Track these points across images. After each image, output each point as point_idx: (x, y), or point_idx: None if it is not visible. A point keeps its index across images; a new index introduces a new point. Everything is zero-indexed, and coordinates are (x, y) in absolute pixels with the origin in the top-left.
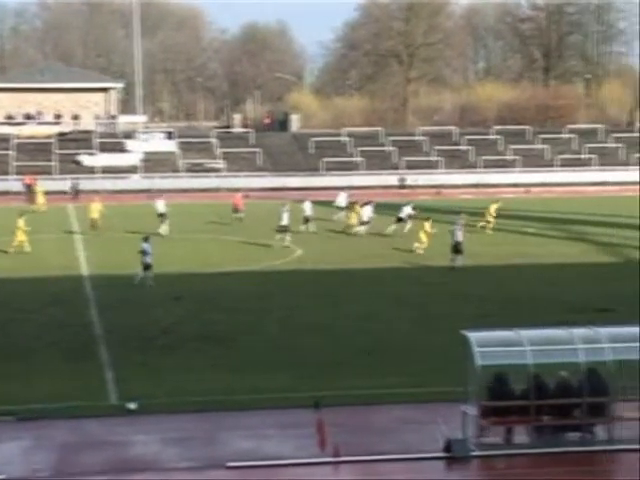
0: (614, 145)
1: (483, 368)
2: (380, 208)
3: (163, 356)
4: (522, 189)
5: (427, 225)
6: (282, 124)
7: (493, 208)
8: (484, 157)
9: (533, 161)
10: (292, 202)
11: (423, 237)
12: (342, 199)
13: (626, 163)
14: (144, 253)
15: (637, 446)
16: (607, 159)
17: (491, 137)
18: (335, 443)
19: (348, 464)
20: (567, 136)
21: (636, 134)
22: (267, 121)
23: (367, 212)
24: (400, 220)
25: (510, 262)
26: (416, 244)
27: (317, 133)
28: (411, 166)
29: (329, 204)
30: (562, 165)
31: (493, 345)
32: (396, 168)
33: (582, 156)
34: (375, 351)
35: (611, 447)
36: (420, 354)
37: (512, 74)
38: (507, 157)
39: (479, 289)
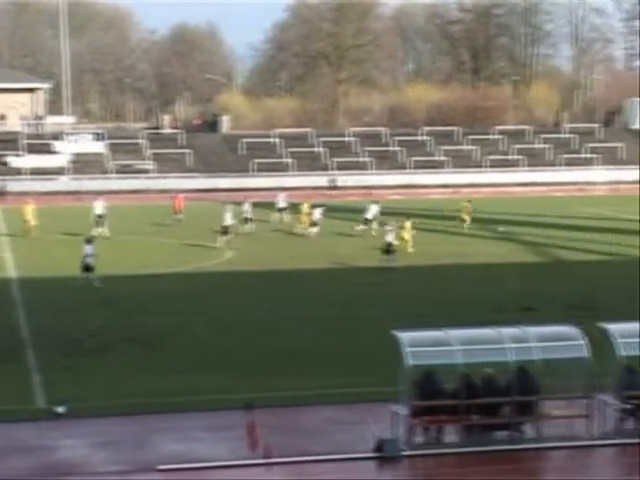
0: (542, 146)
1: (413, 368)
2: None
3: (92, 359)
4: (451, 190)
5: (408, 224)
6: (212, 125)
7: (465, 206)
8: (414, 158)
9: (462, 162)
10: (232, 203)
11: (406, 236)
12: (281, 200)
13: (553, 164)
14: (86, 255)
15: (564, 443)
16: (535, 160)
17: (420, 138)
18: (266, 444)
19: (280, 465)
20: (495, 137)
21: (563, 135)
22: (197, 122)
23: (317, 214)
24: (367, 221)
25: (440, 262)
26: (397, 243)
27: (247, 134)
28: (341, 167)
29: (269, 205)
30: (491, 166)
31: (423, 345)
32: (326, 169)
33: (510, 157)
34: (306, 352)
35: (539, 445)
36: (351, 355)
37: (441, 75)
38: (436, 158)
39: (410, 290)
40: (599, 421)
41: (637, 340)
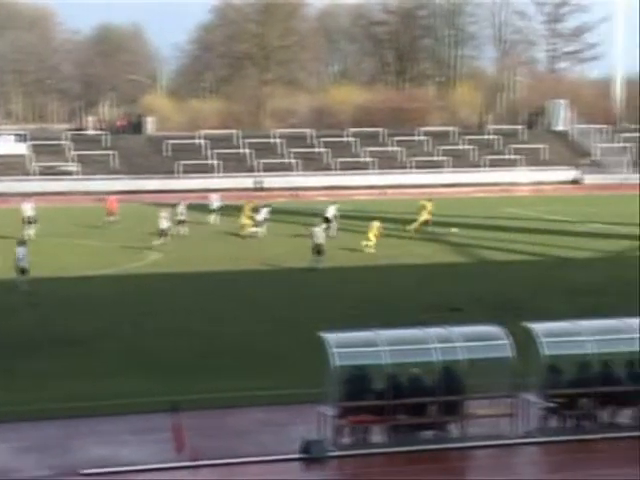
0: (466, 147)
1: (340, 369)
2: (235, 210)
3: (17, 362)
4: (377, 191)
5: (375, 225)
6: (137, 126)
7: (427, 208)
8: (339, 159)
9: (387, 163)
10: (167, 206)
11: (372, 236)
12: (215, 201)
13: (477, 165)
14: (19, 258)
15: (489, 442)
16: (459, 161)
17: (346, 139)
18: (193, 447)
19: (206, 467)
20: (420, 138)
21: (487, 136)
22: (121, 123)
23: (263, 214)
24: (327, 220)
25: (368, 263)
26: (364, 242)
27: (172, 136)
28: (267, 168)
29: (201, 207)
30: (416, 167)
31: (349, 346)
32: (252, 170)
33: (435, 158)
34: (233, 354)
35: (464, 444)
36: (279, 356)
37: (366, 77)
38: (362, 159)
39: (338, 290)
40: (523, 420)
41: (560, 339)
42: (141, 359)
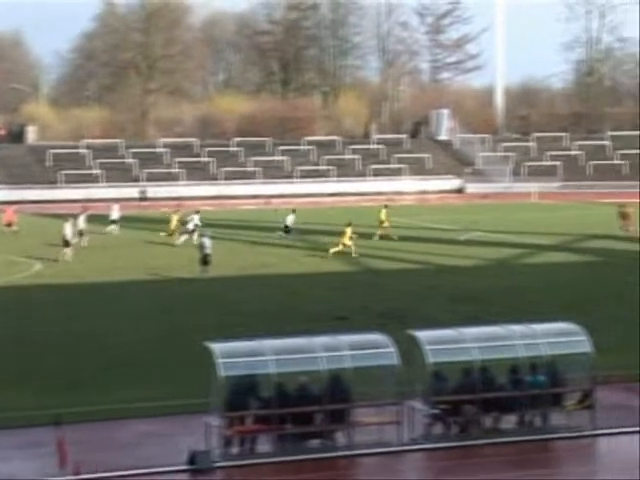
0: (351, 156)
1: (226, 379)
2: (125, 221)
3: None
4: (263, 200)
5: (349, 230)
6: (17, 136)
7: (383, 215)
8: (225, 169)
9: (273, 172)
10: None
11: (347, 241)
12: (115, 212)
13: (363, 174)
14: None
15: (375, 450)
16: (344, 170)
17: (232, 149)
18: (76, 461)
19: None
20: (306, 148)
21: (372, 146)
22: (1, 133)
23: (194, 221)
24: (191, 231)
25: (254, 272)
26: (340, 247)
27: (55, 145)
28: (152, 178)
29: (102, 217)
30: (301, 176)
31: (236, 356)
32: (137, 180)
33: (320, 167)
34: (118, 365)
35: (351, 452)
36: (166, 366)
37: (251, 86)
38: (248, 169)
39: (225, 300)
40: (409, 427)
41: (444, 346)
42: (23, 372)
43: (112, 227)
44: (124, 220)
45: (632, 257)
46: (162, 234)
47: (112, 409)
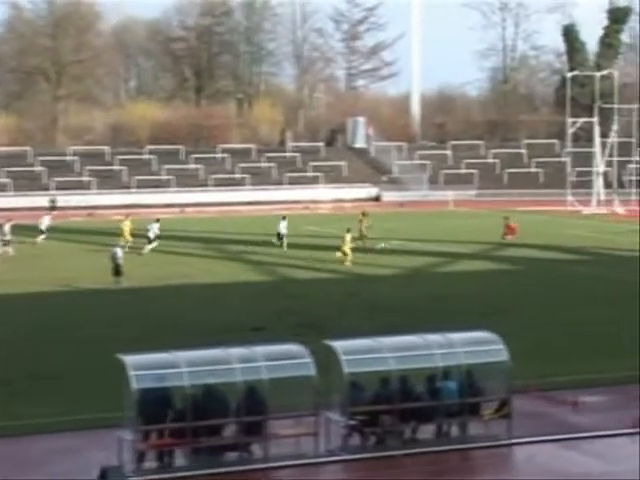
0: (266, 164)
1: (140, 391)
2: (24, 229)
3: None
4: (177, 209)
5: (348, 237)
6: None
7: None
8: (138, 177)
9: (187, 181)
10: None
11: (347, 250)
12: (45, 222)
13: (278, 182)
14: None
15: (292, 462)
16: (260, 178)
17: (145, 157)
18: None
19: None
20: (220, 156)
21: (287, 154)
22: None
23: (155, 229)
24: (152, 240)
25: (167, 283)
26: (338, 254)
27: None
28: (62, 187)
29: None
30: (216, 185)
31: (149, 368)
32: (46, 189)
33: (235, 176)
34: (28, 379)
35: (266, 465)
36: (76, 380)
37: (164, 93)
38: (161, 177)
39: (137, 311)
40: (326, 438)
41: (361, 356)
42: None
43: (42, 237)
44: (56, 230)
45: (548, 265)
46: (148, 247)
47: (21, 425)
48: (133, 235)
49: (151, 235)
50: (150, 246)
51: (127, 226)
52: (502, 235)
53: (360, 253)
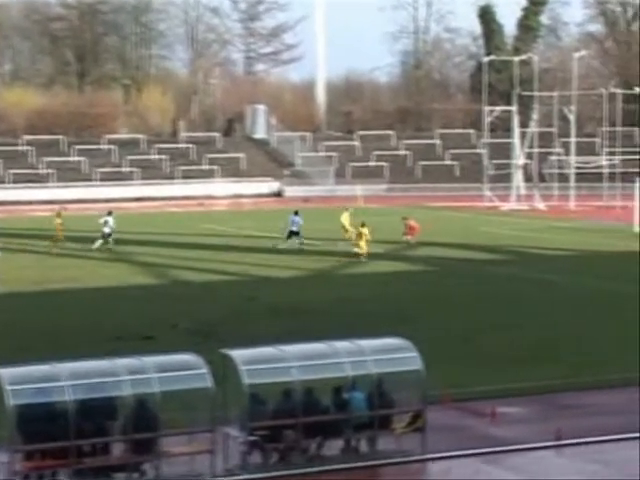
0: (157, 157)
1: (16, 408)
2: None
3: None
4: (57, 206)
5: (365, 230)
6: None
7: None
8: (13, 170)
9: (69, 175)
10: None
11: (363, 244)
12: None
13: (170, 176)
14: None
15: None
16: (150, 172)
17: (21, 148)
18: None
19: None
20: (106, 147)
21: (180, 145)
22: None
23: (109, 223)
24: (107, 235)
25: (48, 287)
26: (356, 250)
27: None
28: None
29: None
30: (101, 179)
31: (28, 382)
32: None
33: (123, 169)
34: None
35: None
36: None
37: (43, 78)
38: (39, 171)
39: (13, 319)
40: (223, 456)
41: (263, 366)
42: None
43: None
44: None
45: (464, 265)
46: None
47: None
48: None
49: (107, 230)
50: (99, 243)
51: (58, 223)
52: (403, 235)
53: (261, 253)
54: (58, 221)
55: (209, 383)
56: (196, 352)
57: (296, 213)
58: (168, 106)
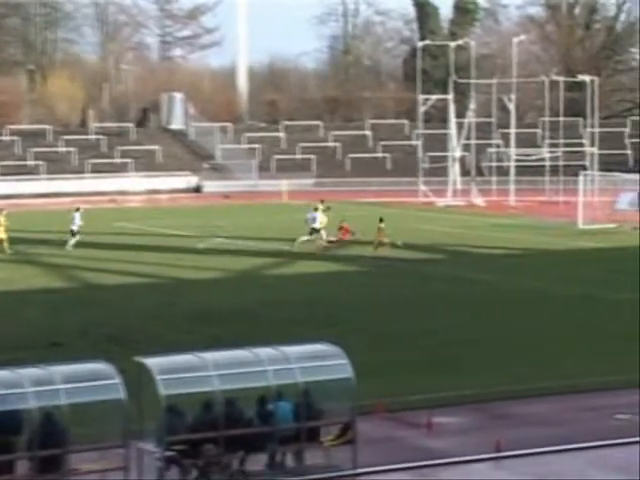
0: (64, 149)
1: None
2: None
3: None
4: None
5: (383, 225)
6: None
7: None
8: None
9: None
10: None
11: (385, 239)
12: None
13: (79, 170)
14: None
15: None
16: (57, 166)
17: None
18: None
19: None
20: (8, 139)
21: (90, 136)
22: None
23: (77, 221)
24: (75, 233)
25: None
26: (379, 248)
27: None
28: None
29: None
30: (3, 173)
31: None
32: None
33: (27, 162)
34: None
35: None
36: None
37: None
38: None
39: None
40: (138, 473)
41: (181, 375)
42: None
43: None
44: None
45: (396, 265)
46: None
47: None
48: None
49: (75, 228)
50: (74, 240)
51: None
52: (337, 237)
53: (181, 253)
54: None
55: (122, 394)
56: (108, 361)
57: (316, 209)
58: (76, 94)
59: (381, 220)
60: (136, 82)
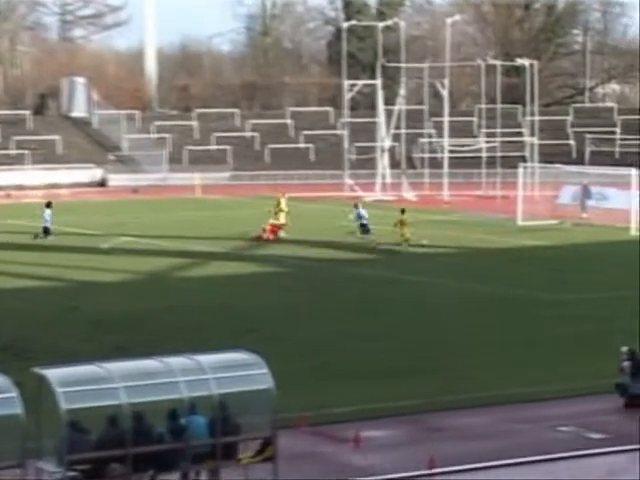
0: None
1: None
2: None
3: None
4: None
5: (405, 218)
6: None
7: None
8: None
9: None
10: None
11: (407, 232)
12: None
13: None
14: None
15: None
16: None
17: None
18: None
19: None
20: None
21: None
22: None
23: (47, 216)
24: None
25: None
26: (402, 241)
27: None
28: None
29: None
30: None
31: None
32: None
33: None
34: None
35: None
36: None
37: None
38: None
39: None
40: None
41: (84, 388)
42: None
43: None
44: None
45: (320, 266)
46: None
47: None
48: None
49: (48, 224)
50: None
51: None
52: (265, 236)
53: (84, 254)
54: None
55: (19, 409)
56: (3, 372)
57: (356, 206)
58: None
59: (403, 212)
60: (33, 65)
